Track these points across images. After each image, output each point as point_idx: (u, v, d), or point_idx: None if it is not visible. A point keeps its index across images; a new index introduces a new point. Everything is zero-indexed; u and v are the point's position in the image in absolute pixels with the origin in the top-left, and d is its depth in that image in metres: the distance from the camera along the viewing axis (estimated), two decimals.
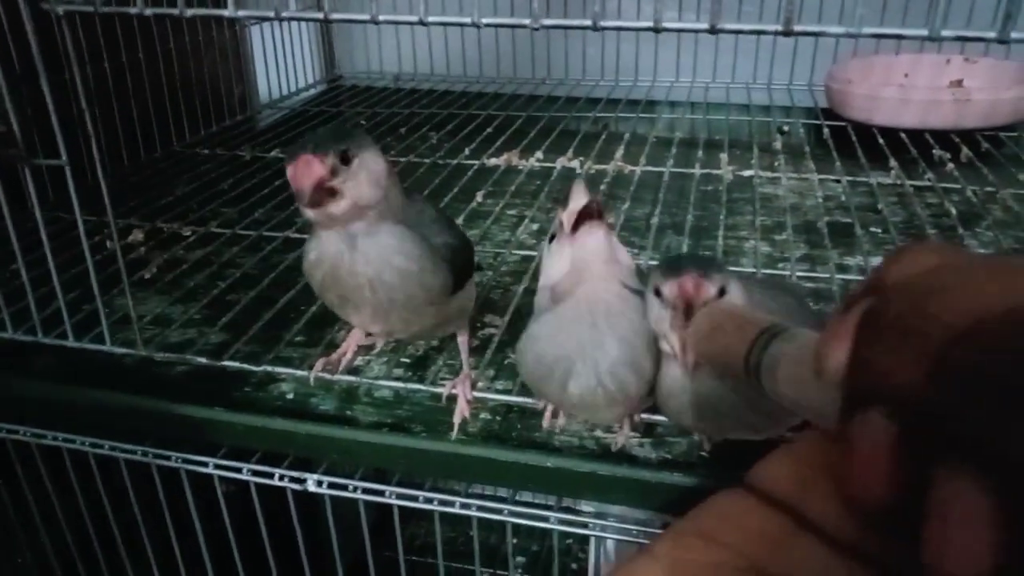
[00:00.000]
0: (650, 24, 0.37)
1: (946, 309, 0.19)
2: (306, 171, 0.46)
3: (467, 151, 1.06)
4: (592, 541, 0.80)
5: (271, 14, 0.46)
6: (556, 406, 0.53)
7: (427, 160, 1.04)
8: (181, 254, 0.79)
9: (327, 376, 0.58)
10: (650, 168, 0.99)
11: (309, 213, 0.48)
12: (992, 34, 0.36)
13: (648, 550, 0.21)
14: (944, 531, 0.16)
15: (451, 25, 0.47)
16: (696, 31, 0.37)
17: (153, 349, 0.62)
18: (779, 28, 0.34)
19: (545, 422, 0.54)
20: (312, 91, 1.44)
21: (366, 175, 0.48)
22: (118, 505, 0.72)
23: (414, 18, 0.44)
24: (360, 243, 0.49)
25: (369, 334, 0.60)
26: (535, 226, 0.86)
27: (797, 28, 0.34)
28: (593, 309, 0.45)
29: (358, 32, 1.51)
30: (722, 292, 0.38)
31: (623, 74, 1.37)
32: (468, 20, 0.42)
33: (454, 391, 0.57)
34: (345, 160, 0.48)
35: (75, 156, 0.56)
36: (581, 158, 1.02)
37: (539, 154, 1.04)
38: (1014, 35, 0.35)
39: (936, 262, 0.21)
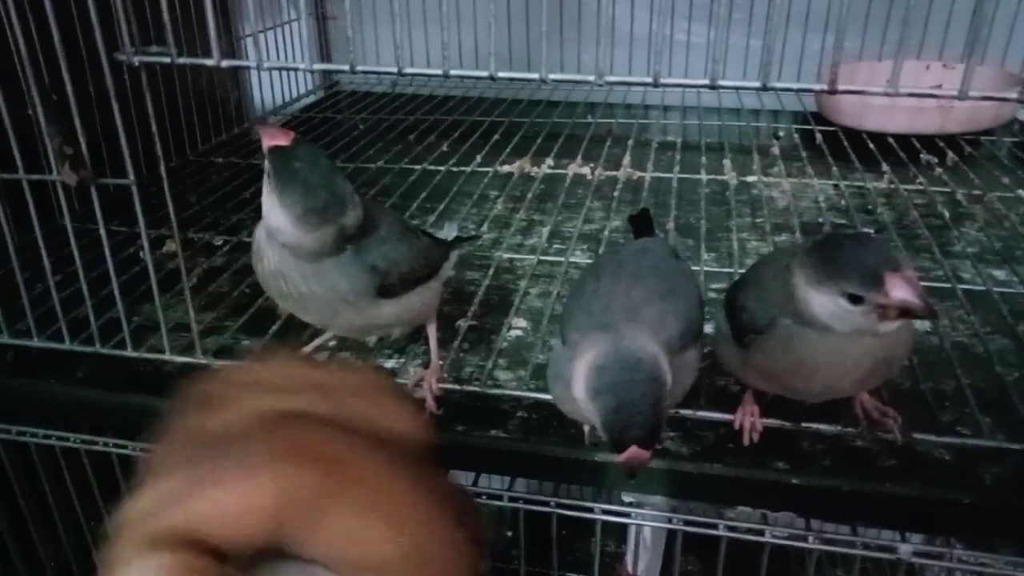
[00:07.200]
0: (648, 80, 0.45)
1: None
2: None
3: (478, 158, 1.10)
4: (632, 528, 0.85)
5: (290, 64, 0.49)
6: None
7: (441, 168, 1.07)
8: (219, 263, 0.82)
9: None
10: (659, 174, 1.03)
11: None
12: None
13: None
14: None
15: (473, 78, 0.54)
16: (697, 87, 0.46)
17: (211, 357, 0.65)
18: (758, 85, 0.44)
19: (587, 440, 0.57)
20: (310, 98, 1.47)
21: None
22: None
23: (439, 71, 0.50)
24: (311, 268, 0.54)
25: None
26: (546, 230, 0.90)
27: (771, 85, 0.40)
28: None
29: (355, 38, 1.53)
30: None
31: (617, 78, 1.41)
32: (486, 73, 0.48)
33: (421, 383, 0.60)
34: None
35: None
36: (591, 164, 1.07)
37: (549, 160, 1.08)
38: None
39: None
